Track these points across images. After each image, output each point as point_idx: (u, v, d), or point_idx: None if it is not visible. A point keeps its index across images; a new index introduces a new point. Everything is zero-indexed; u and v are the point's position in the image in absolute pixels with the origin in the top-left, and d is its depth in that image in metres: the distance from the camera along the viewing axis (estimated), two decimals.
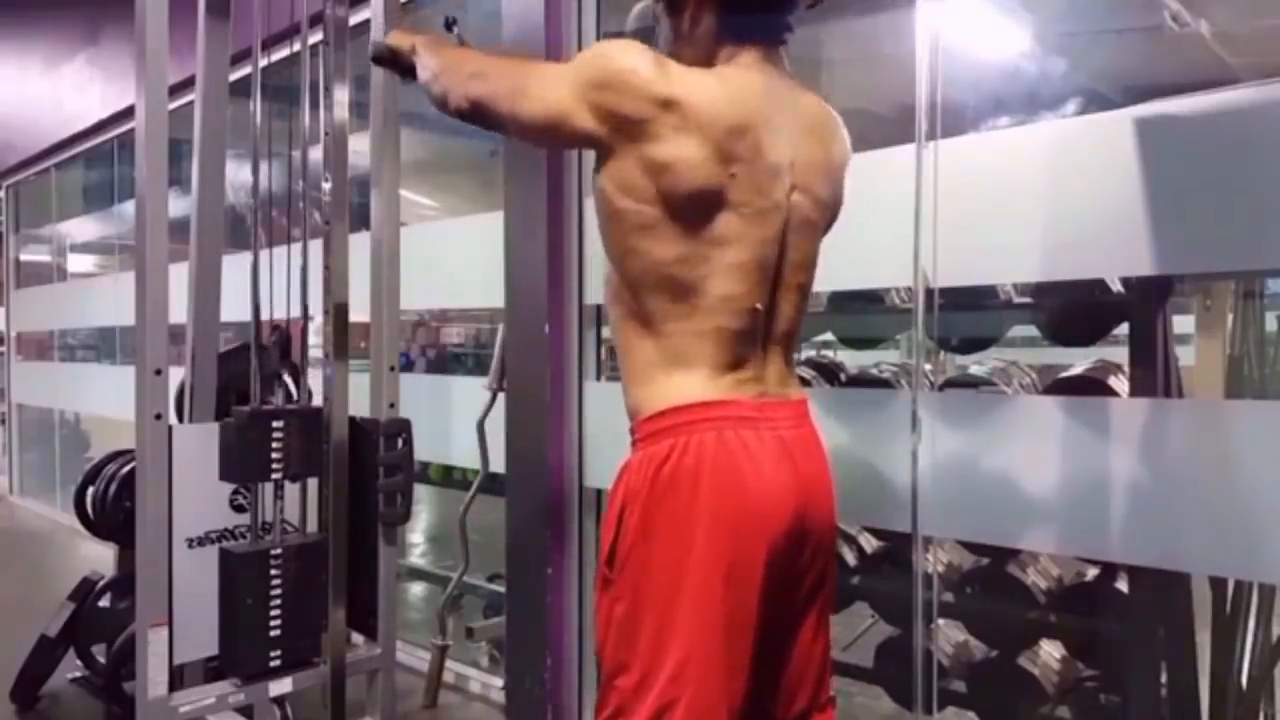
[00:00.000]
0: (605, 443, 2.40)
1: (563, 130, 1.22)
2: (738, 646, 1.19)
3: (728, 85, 1.21)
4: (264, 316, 2.03)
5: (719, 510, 1.17)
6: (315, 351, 2.10)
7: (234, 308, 2.27)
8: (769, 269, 1.24)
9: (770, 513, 1.20)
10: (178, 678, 1.97)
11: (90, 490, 2.79)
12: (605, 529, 1.26)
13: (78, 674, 2.94)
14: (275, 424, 1.89)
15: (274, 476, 1.90)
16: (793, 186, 1.24)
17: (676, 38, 1.31)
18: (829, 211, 1.35)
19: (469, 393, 2.82)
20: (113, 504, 2.72)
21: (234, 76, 2.25)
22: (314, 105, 2.03)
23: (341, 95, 1.94)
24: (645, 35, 1.39)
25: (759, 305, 1.24)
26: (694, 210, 1.18)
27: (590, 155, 1.29)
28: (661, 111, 1.15)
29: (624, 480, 1.24)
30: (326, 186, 1.94)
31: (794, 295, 1.30)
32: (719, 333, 1.22)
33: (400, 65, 1.50)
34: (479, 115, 1.29)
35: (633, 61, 1.17)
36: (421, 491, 4.88)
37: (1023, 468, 1.75)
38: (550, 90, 1.21)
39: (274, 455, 1.89)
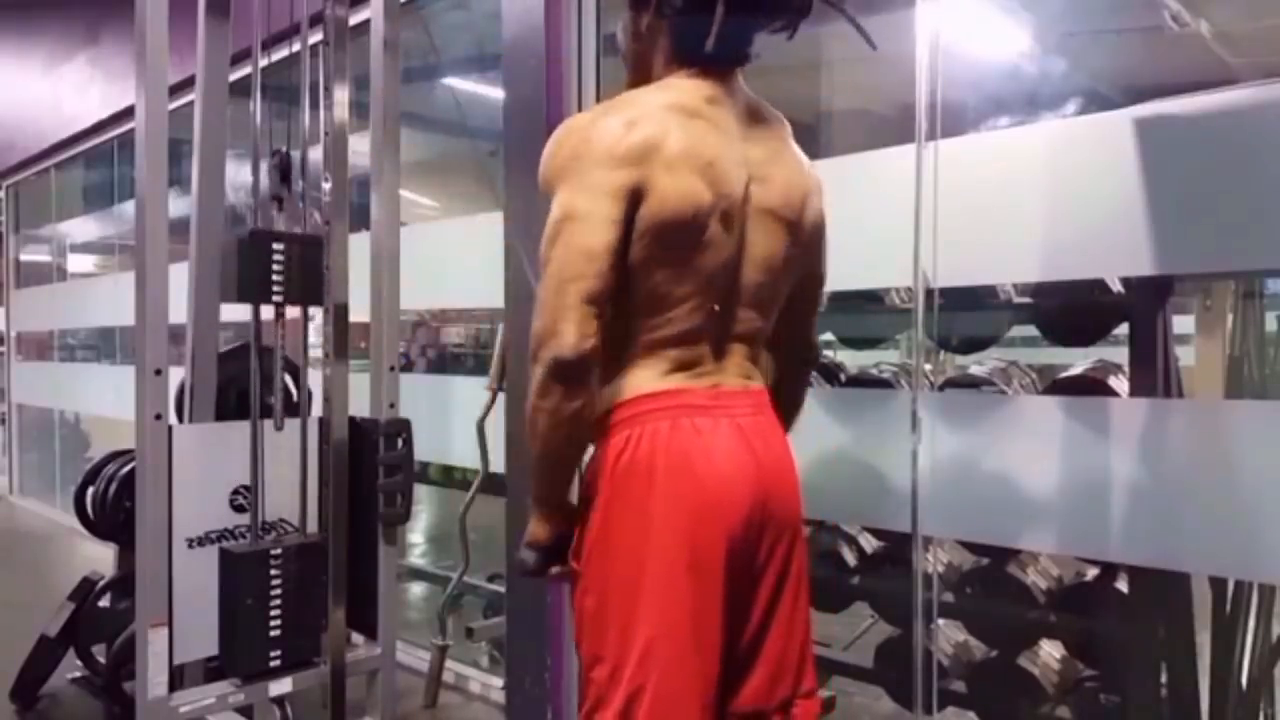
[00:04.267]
0: None
1: (617, 217, 1.16)
2: (704, 629, 1.20)
3: (675, 92, 1.24)
4: (265, 317, 2.03)
5: (674, 496, 1.19)
6: (315, 352, 2.10)
7: (234, 308, 2.26)
8: (730, 269, 1.25)
9: (727, 497, 1.21)
10: (178, 678, 1.97)
11: (90, 490, 2.79)
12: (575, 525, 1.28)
13: (78, 674, 2.94)
14: (276, 245, 1.90)
15: (275, 299, 1.92)
16: (750, 178, 1.25)
17: (634, 38, 1.33)
18: (794, 208, 1.30)
19: (469, 393, 2.82)
20: (113, 504, 2.72)
21: (234, 76, 2.25)
22: (314, 105, 2.03)
23: (341, 95, 1.94)
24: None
25: (715, 306, 1.25)
26: (688, 232, 1.19)
27: None
28: (651, 156, 1.16)
29: (586, 475, 1.28)
30: (326, 186, 1.94)
31: (752, 295, 1.28)
32: (679, 334, 1.24)
33: (551, 550, 1.30)
34: (578, 327, 1.14)
35: (590, 128, 1.19)
36: (421, 491, 4.88)
37: (1023, 468, 1.75)
38: (573, 211, 1.16)
39: (275, 277, 1.90)
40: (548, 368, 1.15)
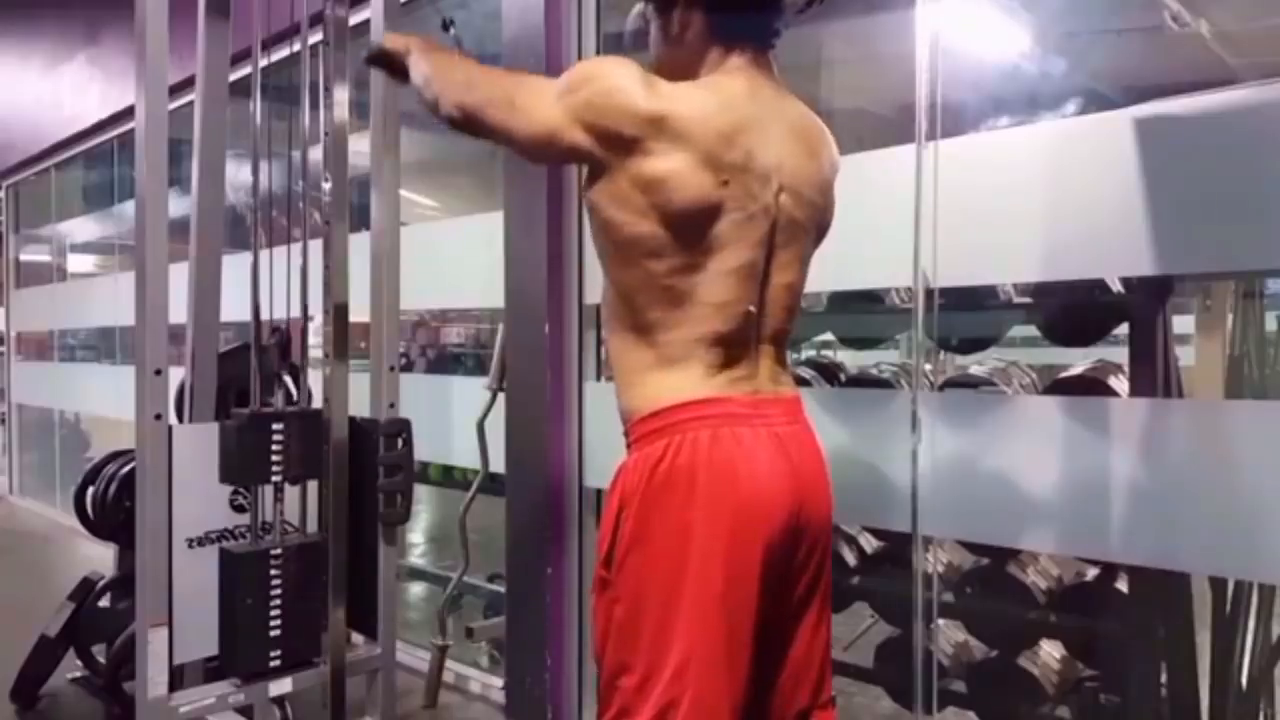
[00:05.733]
0: (605, 442, 2.39)
1: (553, 147, 1.23)
2: (738, 643, 1.19)
3: (715, 93, 1.23)
4: (264, 316, 2.03)
5: (715, 507, 1.18)
6: (315, 352, 2.10)
7: (234, 308, 2.27)
8: (759, 271, 1.25)
9: (766, 508, 1.21)
10: (178, 678, 1.97)
11: (90, 490, 2.79)
12: (603, 531, 1.26)
13: (78, 674, 2.94)
14: (275, 426, 1.89)
15: (274, 479, 1.90)
16: (780, 188, 1.25)
17: (665, 40, 1.33)
18: (817, 215, 1.34)
19: (469, 393, 2.82)
20: (113, 504, 2.72)
21: (234, 76, 2.25)
22: (314, 105, 2.03)
23: (341, 95, 1.94)
24: (644, 34, 1.39)
25: (751, 308, 1.25)
26: (690, 222, 1.19)
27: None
28: (651, 128, 1.17)
29: (620, 482, 1.25)
30: (326, 186, 1.94)
31: (783, 296, 1.30)
32: (712, 336, 1.23)
33: (394, 67, 1.46)
34: (469, 124, 1.28)
35: (621, 80, 1.18)
36: (421, 491, 4.88)
37: (1023, 468, 1.75)
38: (541, 106, 1.22)
39: (274, 457, 1.89)
40: (446, 108, 1.29)
